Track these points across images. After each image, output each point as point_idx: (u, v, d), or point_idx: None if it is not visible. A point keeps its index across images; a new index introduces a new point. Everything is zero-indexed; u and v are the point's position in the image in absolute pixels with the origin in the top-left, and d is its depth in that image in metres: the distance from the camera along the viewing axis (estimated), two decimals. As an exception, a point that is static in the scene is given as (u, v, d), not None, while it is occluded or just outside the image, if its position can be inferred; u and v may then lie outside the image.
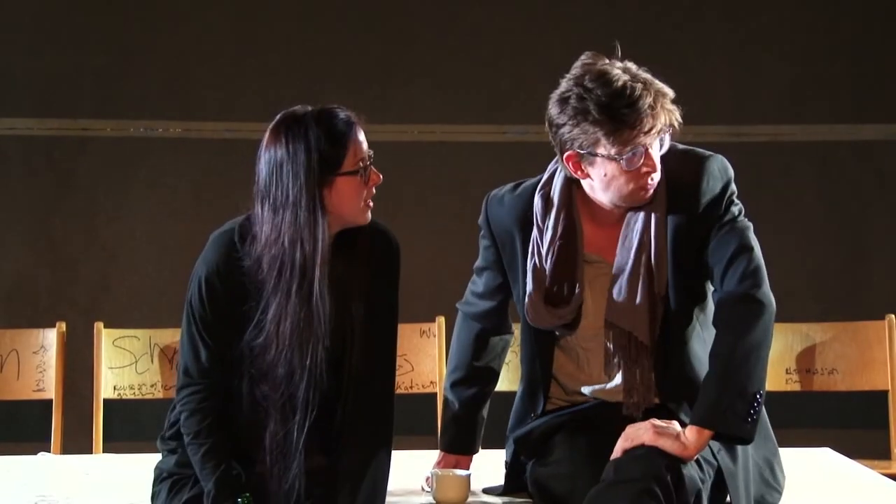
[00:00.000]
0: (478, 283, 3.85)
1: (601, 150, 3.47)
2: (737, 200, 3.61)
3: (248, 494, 3.26)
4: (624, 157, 3.47)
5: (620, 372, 3.61)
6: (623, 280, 3.58)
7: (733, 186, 3.61)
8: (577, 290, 3.62)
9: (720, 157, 3.64)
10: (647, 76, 3.50)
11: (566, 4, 6.27)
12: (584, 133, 3.47)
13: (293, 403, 3.39)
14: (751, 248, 3.52)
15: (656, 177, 3.53)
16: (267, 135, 3.50)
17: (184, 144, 6.24)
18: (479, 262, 3.84)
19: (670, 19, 6.34)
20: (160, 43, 6.25)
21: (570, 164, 3.54)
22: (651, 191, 3.54)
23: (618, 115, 3.42)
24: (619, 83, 3.43)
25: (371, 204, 3.50)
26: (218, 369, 3.44)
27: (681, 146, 3.67)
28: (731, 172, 3.62)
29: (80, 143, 6.21)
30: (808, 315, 5.68)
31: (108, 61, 6.23)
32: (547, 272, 3.63)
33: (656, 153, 3.51)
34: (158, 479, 3.62)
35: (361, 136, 3.46)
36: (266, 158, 3.47)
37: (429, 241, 6.16)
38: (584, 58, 3.53)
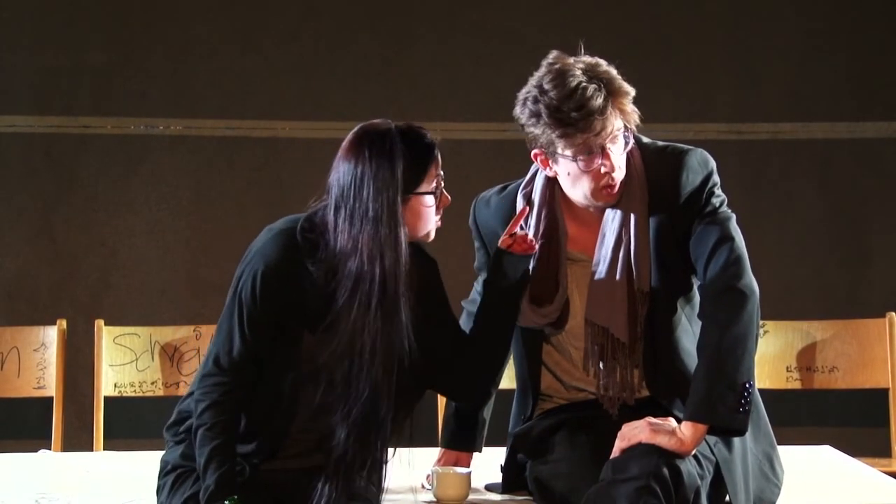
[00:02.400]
0: (477, 283, 3.87)
1: (559, 151, 3.50)
2: (718, 192, 3.60)
3: (236, 497, 3.25)
4: (579, 158, 3.49)
5: (599, 368, 3.62)
6: (600, 277, 3.60)
7: (715, 178, 3.60)
8: (560, 289, 3.63)
9: (700, 150, 3.64)
10: (610, 75, 3.49)
11: (568, 3, 6.28)
12: (542, 134, 3.50)
13: (369, 418, 3.39)
14: (731, 238, 3.52)
15: (618, 175, 3.53)
16: (347, 145, 3.49)
17: (184, 142, 6.24)
18: (476, 263, 3.86)
19: (671, 18, 6.34)
20: (161, 40, 6.25)
21: (539, 160, 3.58)
22: (615, 190, 3.55)
23: (567, 118, 3.44)
24: (572, 85, 3.43)
25: (439, 223, 3.51)
26: (250, 367, 3.42)
27: (661, 142, 3.68)
28: (713, 165, 3.62)
29: (81, 140, 6.21)
30: (809, 313, 5.67)
31: (108, 59, 6.24)
32: (532, 272, 3.64)
33: (616, 152, 3.51)
34: (163, 472, 3.60)
35: (439, 158, 3.44)
36: (346, 169, 3.45)
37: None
38: (550, 57, 3.53)
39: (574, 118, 3.43)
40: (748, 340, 3.44)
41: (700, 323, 3.53)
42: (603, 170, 3.50)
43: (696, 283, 3.64)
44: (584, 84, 3.43)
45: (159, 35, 6.25)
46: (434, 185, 3.43)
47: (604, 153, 3.49)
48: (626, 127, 3.50)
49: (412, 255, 3.45)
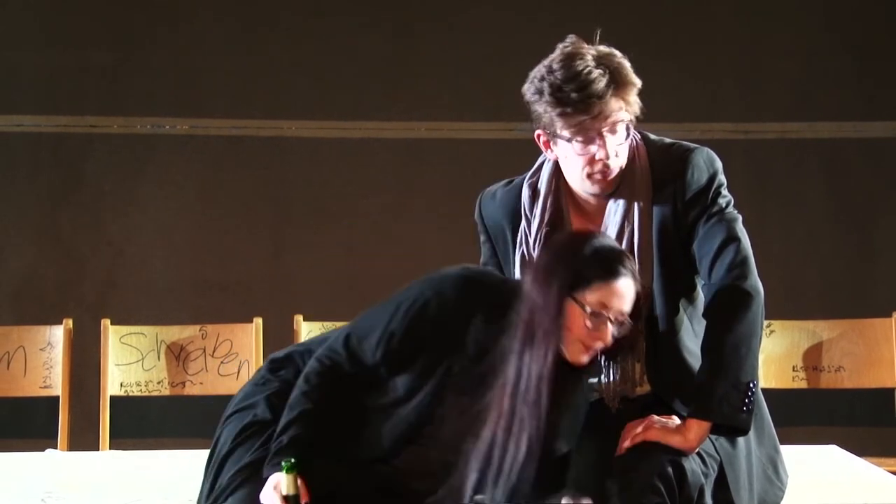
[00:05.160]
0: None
1: (558, 131, 3.50)
2: (725, 192, 3.59)
3: (293, 460, 3.25)
4: (575, 140, 3.49)
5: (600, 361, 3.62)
6: None
7: (721, 178, 3.60)
8: None
9: (707, 149, 3.63)
10: (620, 64, 3.48)
11: (572, 2, 6.28)
12: (544, 112, 3.50)
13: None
14: (738, 239, 3.51)
15: (613, 164, 3.52)
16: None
17: (191, 141, 6.25)
18: (481, 259, 3.85)
19: (678, 17, 6.34)
20: (167, 40, 6.26)
21: (541, 141, 3.58)
22: (609, 178, 3.53)
23: (567, 98, 3.43)
24: (578, 68, 3.43)
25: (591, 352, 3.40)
26: (363, 378, 3.40)
27: (667, 140, 3.68)
28: (719, 164, 3.62)
29: (88, 139, 6.23)
30: (815, 312, 5.67)
31: (115, 58, 6.25)
32: (534, 261, 3.64)
33: (613, 141, 3.50)
34: (243, 408, 3.55)
35: (623, 292, 3.35)
36: (551, 248, 3.46)
37: (435, 236, 6.17)
38: (567, 40, 3.53)
39: (573, 99, 3.43)
40: (753, 340, 3.44)
41: (703, 322, 3.53)
42: (598, 156, 3.50)
43: (699, 283, 3.63)
44: (589, 68, 3.43)
45: (166, 35, 6.27)
46: (592, 310, 3.32)
47: (600, 138, 3.48)
48: (630, 120, 3.49)
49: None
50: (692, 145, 3.64)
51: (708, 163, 3.60)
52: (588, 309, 3.30)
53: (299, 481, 3.23)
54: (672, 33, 6.29)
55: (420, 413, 3.38)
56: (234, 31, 6.30)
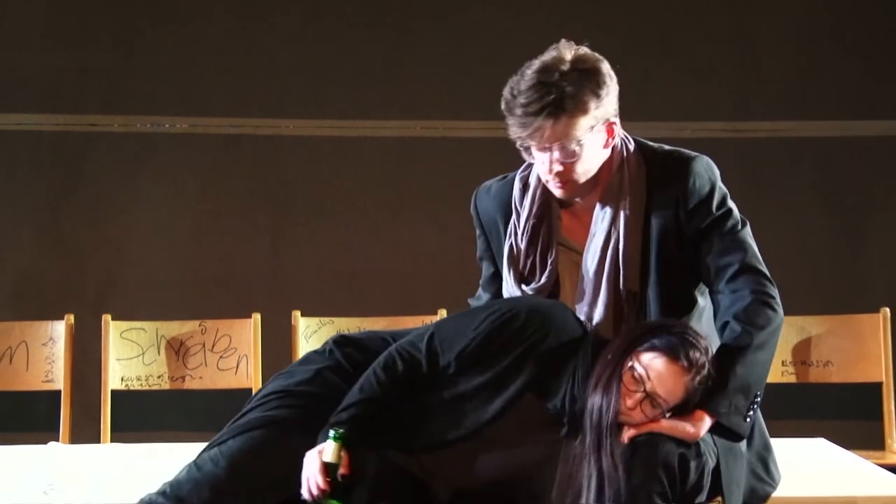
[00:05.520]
0: (482, 275, 3.90)
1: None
2: (731, 204, 3.62)
3: (343, 431, 3.30)
4: (520, 146, 3.55)
5: None
6: (589, 275, 3.62)
7: (722, 187, 3.62)
8: (549, 268, 3.66)
9: (705, 157, 3.65)
10: (585, 82, 3.48)
11: (568, 1, 6.30)
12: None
13: None
14: (760, 259, 3.56)
15: (564, 177, 3.54)
16: None
17: (190, 140, 6.26)
18: (477, 253, 3.88)
19: (671, 16, 6.35)
20: (167, 39, 6.27)
21: None
22: (564, 186, 3.57)
23: (512, 110, 3.49)
24: (534, 81, 3.45)
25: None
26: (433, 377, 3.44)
27: (666, 147, 3.70)
28: (717, 172, 3.64)
29: (88, 138, 6.23)
30: (804, 308, 5.69)
31: (115, 58, 6.26)
32: (521, 252, 3.68)
33: (563, 156, 3.51)
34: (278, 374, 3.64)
35: (669, 374, 3.35)
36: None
37: (431, 234, 6.19)
38: (559, 44, 3.55)
39: (517, 114, 3.48)
40: (769, 355, 3.50)
41: (702, 328, 3.57)
42: (544, 166, 3.55)
43: (700, 292, 3.65)
44: (543, 87, 3.45)
45: (166, 35, 6.27)
46: (635, 382, 3.34)
47: (546, 151, 3.52)
48: (565, 142, 3.49)
49: None
50: (692, 153, 3.65)
51: (708, 171, 3.62)
52: (637, 368, 3.33)
53: (343, 454, 3.29)
54: (664, 33, 6.30)
55: (479, 417, 3.40)
56: (233, 31, 6.31)
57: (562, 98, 3.44)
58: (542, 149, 3.51)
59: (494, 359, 3.40)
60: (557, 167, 3.52)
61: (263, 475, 3.39)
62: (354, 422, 3.35)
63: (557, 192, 3.60)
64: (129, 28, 6.28)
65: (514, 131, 3.51)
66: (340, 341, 3.64)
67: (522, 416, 3.40)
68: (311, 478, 3.29)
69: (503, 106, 3.51)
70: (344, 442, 3.29)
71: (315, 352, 3.68)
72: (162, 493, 3.44)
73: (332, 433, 3.29)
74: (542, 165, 3.55)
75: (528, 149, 3.55)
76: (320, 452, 3.30)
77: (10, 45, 6.22)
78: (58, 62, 6.23)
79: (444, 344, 3.43)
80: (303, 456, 3.33)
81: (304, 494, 3.30)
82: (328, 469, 3.28)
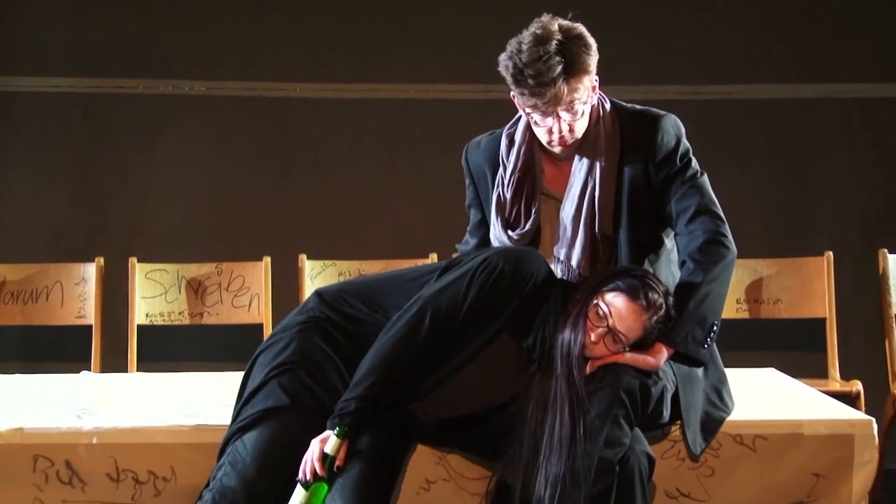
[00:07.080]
0: (469, 222, 3.87)
1: (518, 105, 3.53)
2: (692, 157, 3.61)
3: (347, 428, 3.27)
4: (532, 116, 3.52)
5: None
6: (567, 217, 3.61)
7: (685, 142, 3.61)
8: (532, 216, 3.63)
9: (673, 115, 3.65)
10: (579, 50, 3.45)
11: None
12: (510, 86, 3.51)
13: None
14: (715, 203, 3.56)
15: (570, 135, 3.53)
16: None
17: (207, 101, 6.22)
18: (466, 201, 3.86)
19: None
20: (185, 11, 6.23)
21: (515, 101, 3.58)
22: (567, 143, 3.55)
23: (525, 82, 3.45)
24: (539, 53, 3.42)
25: None
26: (449, 324, 3.38)
27: (638, 106, 3.68)
28: (683, 129, 3.64)
29: (115, 99, 6.19)
30: (757, 252, 5.70)
31: (138, 27, 6.21)
32: (508, 201, 3.65)
33: (567, 118, 3.50)
34: (264, 348, 3.57)
35: (625, 312, 3.35)
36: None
37: (423, 186, 6.17)
38: (542, 18, 3.52)
39: (530, 84, 3.44)
40: (723, 288, 3.50)
41: (666, 272, 3.58)
42: (553, 129, 3.52)
43: (667, 237, 3.64)
44: (547, 56, 3.41)
45: (184, 6, 6.23)
46: (602, 320, 3.35)
47: (556, 116, 3.50)
48: (574, 101, 3.47)
49: None
50: (661, 112, 3.64)
51: (675, 127, 3.62)
52: (601, 306, 3.33)
53: (342, 448, 3.27)
54: (633, 6, 6.26)
55: (460, 354, 3.39)
56: (245, 4, 6.27)
57: (570, 63, 3.43)
58: (548, 113, 3.48)
59: (487, 316, 3.39)
60: (565, 127, 3.51)
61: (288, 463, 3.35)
62: (358, 416, 3.29)
63: (558, 149, 3.58)
64: (150, 2, 6.23)
65: (528, 100, 3.47)
66: (319, 299, 3.57)
67: (499, 353, 3.39)
68: (310, 462, 3.26)
69: (511, 81, 3.47)
70: (346, 437, 3.27)
71: (296, 313, 3.59)
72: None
73: (336, 429, 3.26)
74: (548, 128, 3.52)
75: (538, 115, 3.50)
76: (322, 441, 3.27)
77: (45, 18, 6.17)
78: (87, 32, 6.18)
79: (444, 323, 3.36)
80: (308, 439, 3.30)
81: (300, 475, 3.27)
82: (325, 460, 3.26)
